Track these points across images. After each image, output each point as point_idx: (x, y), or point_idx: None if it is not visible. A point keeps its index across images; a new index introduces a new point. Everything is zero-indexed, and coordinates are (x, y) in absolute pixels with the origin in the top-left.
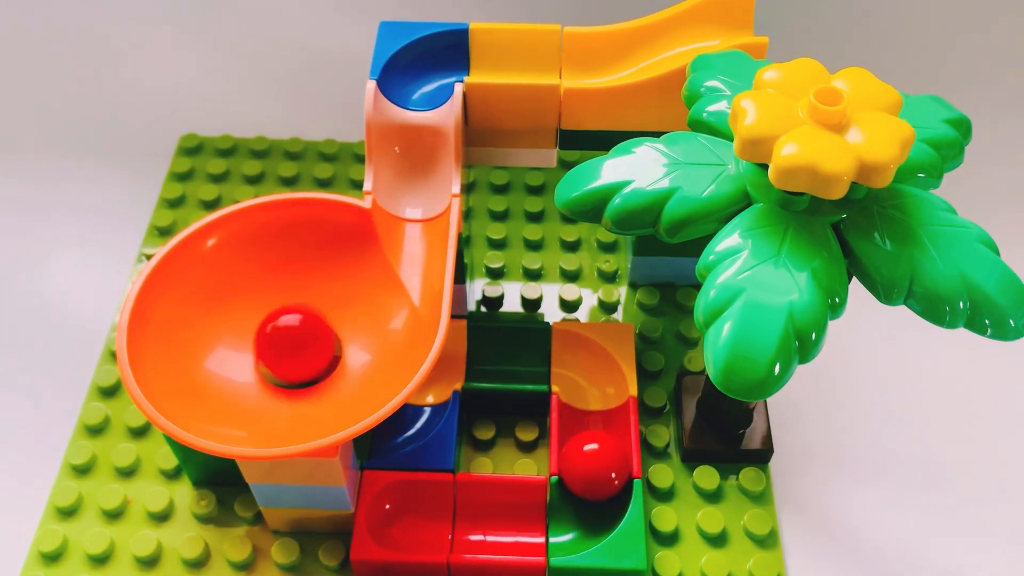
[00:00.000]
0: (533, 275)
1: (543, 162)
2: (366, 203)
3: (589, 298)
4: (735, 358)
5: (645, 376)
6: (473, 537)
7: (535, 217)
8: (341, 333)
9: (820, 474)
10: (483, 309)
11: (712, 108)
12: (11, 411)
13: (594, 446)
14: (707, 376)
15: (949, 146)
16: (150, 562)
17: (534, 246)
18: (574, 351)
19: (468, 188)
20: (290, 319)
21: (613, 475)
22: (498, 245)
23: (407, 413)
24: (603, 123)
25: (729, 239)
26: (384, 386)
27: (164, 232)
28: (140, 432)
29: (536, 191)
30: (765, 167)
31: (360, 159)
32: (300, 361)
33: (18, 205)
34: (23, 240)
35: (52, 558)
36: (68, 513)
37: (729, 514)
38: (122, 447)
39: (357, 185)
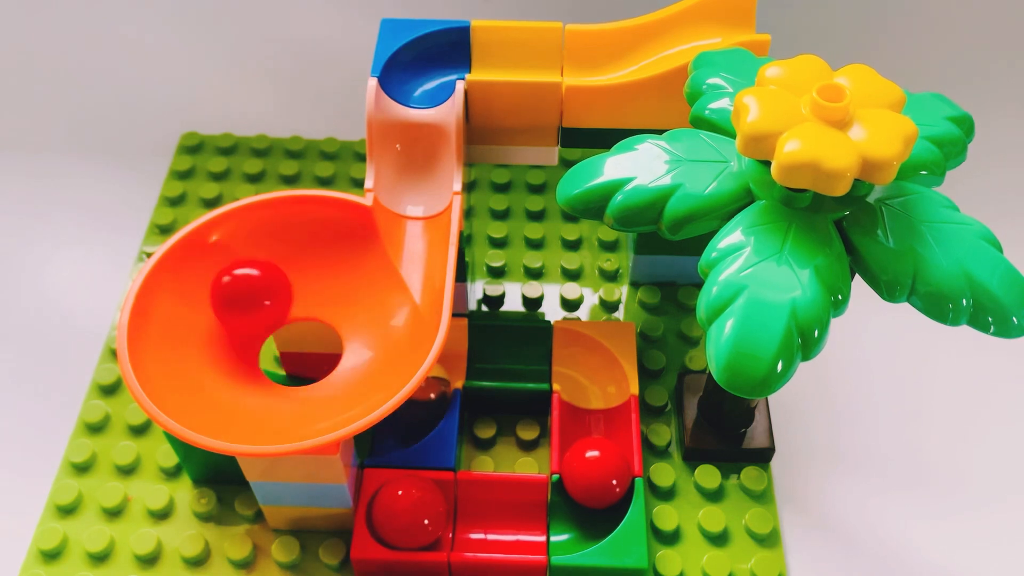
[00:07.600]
0: (534, 274)
1: (544, 160)
2: (367, 200)
3: (590, 297)
4: (738, 355)
5: (646, 375)
6: (474, 536)
7: (536, 216)
8: (342, 330)
9: (822, 473)
10: (484, 308)
11: (714, 105)
12: (11, 408)
13: (595, 453)
14: (709, 375)
15: (952, 143)
16: (150, 560)
17: (535, 245)
18: (575, 350)
19: (469, 186)
20: (247, 270)
21: (614, 482)
22: (499, 244)
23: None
24: (605, 121)
25: (731, 236)
26: (385, 383)
27: (165, 230)
28: (140, 430)
29: (537, 190)
30: (768, 164)
31: (361, 157)
32: (257, 315)
33: (19, 203)
34: (24, 238)
35: (52, 556)
36: (68, 511)
37: (730, 513)
38: (122, 445)
39: (358, 183)
